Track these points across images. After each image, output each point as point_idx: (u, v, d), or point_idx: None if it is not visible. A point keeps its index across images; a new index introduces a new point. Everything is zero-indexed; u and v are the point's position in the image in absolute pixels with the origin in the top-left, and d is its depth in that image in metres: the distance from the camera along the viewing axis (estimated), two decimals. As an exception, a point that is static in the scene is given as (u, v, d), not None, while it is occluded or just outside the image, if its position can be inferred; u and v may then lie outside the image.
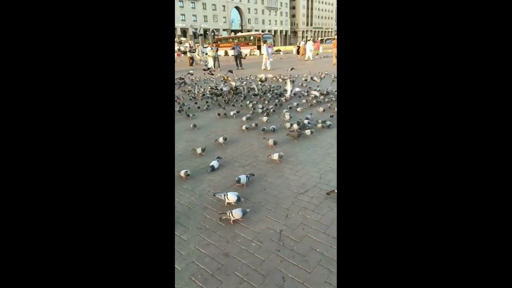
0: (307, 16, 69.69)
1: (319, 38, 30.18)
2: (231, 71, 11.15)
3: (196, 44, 25.85)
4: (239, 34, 33.71)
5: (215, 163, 2.92)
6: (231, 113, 5.03)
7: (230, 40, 30.01)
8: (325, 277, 1.54)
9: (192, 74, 10.53)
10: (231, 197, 2.20)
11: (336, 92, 6.04)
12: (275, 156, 3.06)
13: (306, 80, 8.55)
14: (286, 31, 63.37)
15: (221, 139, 3.59)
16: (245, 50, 23.93)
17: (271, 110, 5.10)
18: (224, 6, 48.05)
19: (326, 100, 5.83)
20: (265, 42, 16.65)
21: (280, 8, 58.16)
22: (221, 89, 7.23)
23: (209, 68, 9.40)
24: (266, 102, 5.90)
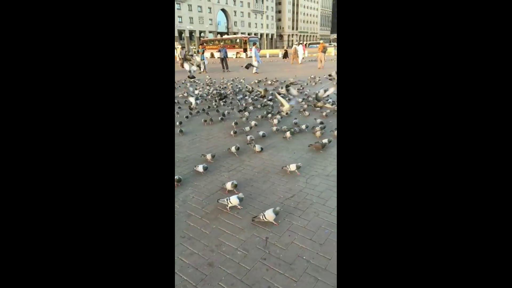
0: (293, 20, 70.59)
1: (304, 43, 30.60)
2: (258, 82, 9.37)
3: (180, 46, 25.29)
4: (225, 36, 33.62)
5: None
6: (219, 118, 4.98)
7: (217, 42, 29.91)
8: (311, 285, 1.51)
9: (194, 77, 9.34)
10: (234, 200, 2.24)
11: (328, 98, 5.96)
12: (293, 167, 2.76)
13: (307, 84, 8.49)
14: (272, 35, 63.86)
15: (209, 156, 3.25)
16: (231, 53, 23.82)
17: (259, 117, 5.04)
18: (210, 8, 47.75)
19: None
20: (254, 44, 16.61)
21: (266, 12, 58.54)
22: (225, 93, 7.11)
23: (193, 76, 8.97)
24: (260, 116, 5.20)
